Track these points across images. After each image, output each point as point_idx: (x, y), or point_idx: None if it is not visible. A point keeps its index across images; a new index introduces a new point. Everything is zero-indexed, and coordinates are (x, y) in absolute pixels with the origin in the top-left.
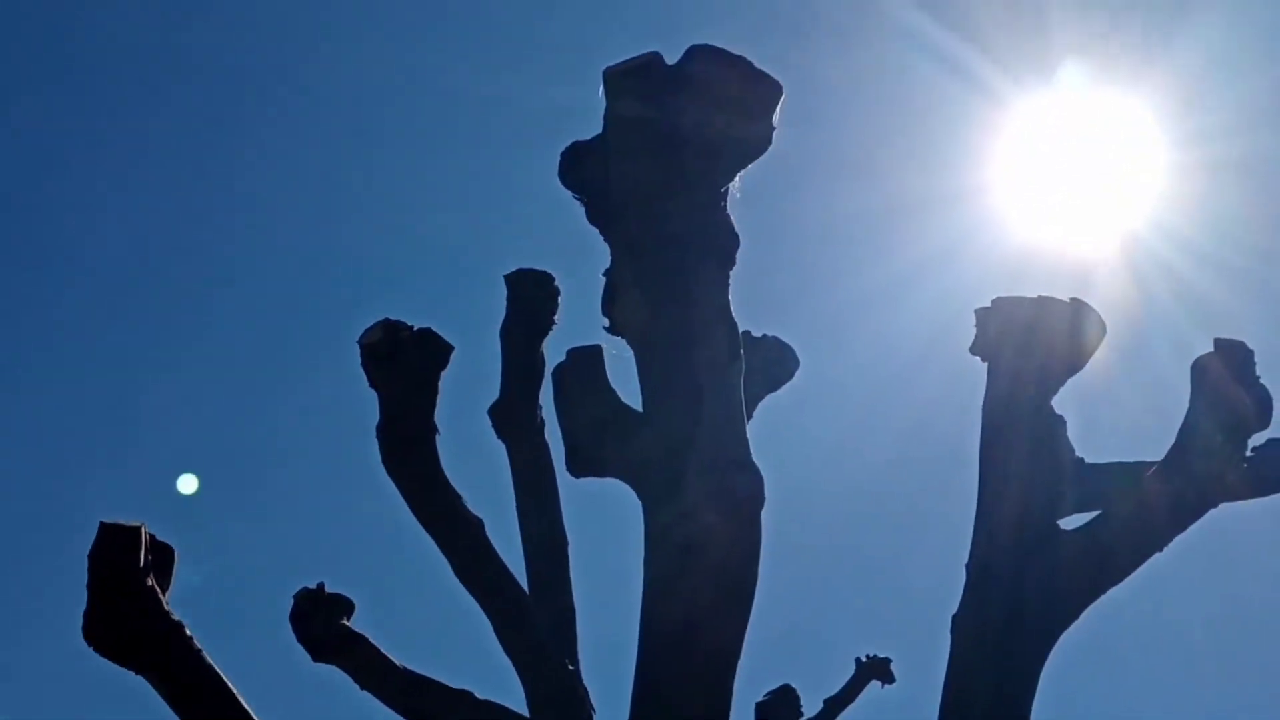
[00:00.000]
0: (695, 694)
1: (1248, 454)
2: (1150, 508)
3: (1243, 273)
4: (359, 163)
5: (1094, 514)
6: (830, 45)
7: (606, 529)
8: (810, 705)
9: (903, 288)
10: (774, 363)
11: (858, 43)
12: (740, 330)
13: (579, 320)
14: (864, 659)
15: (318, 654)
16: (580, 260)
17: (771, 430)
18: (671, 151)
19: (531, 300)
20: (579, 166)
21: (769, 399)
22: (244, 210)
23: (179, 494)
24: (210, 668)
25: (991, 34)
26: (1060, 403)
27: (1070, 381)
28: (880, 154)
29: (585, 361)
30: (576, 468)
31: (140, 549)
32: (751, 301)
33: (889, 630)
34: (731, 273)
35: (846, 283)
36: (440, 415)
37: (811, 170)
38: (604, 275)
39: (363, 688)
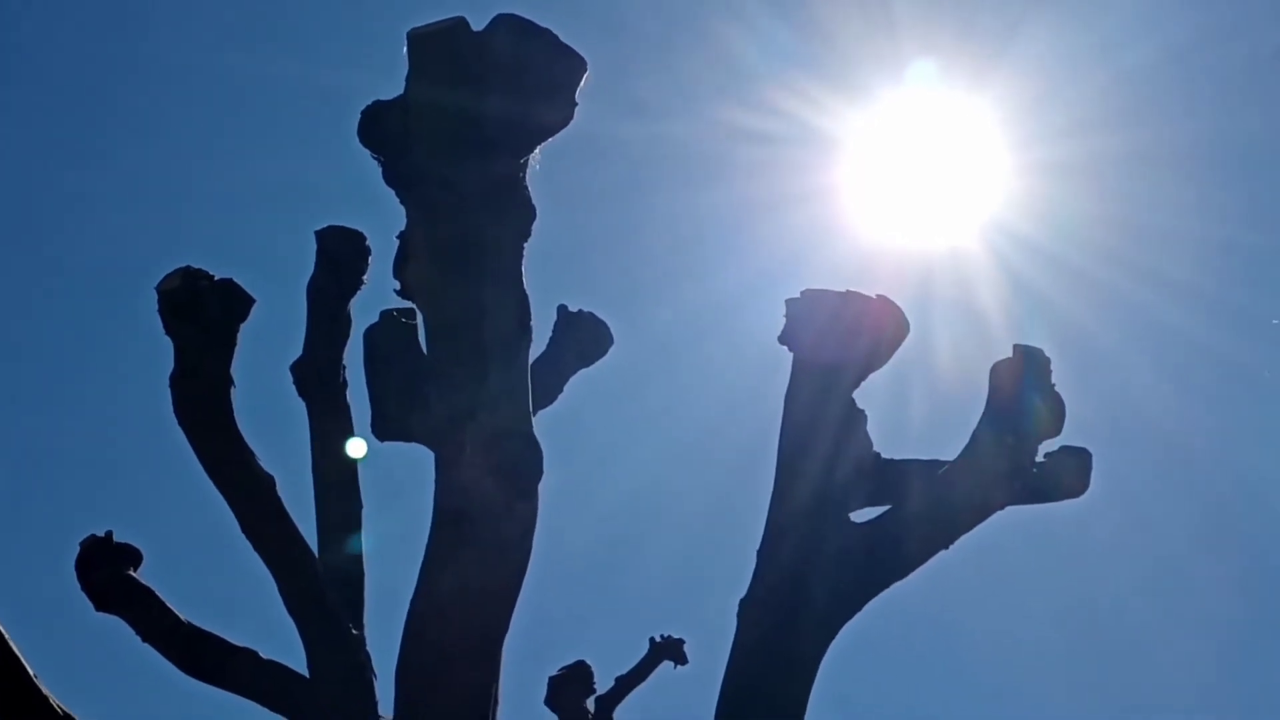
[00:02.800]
0: (460, 663)
1: (1038, 460)
2: (940, 506)
3: (1080, 272)
4: (169, 107)
5: (885, 508)
6: (677, 42)
7: (407, 494)
8: (604, 682)
9: (742, 282)
10: (588, 339)
11: (704, 40)
12: (559, 304)
13: (391, 282)
14: (658, 639)
15: (101, 604)
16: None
17: (581, 405)
18: (471, 120)
19: (341, 257)
20: (379, 126)
21: (581, 374)
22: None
23: None
24: None
25: (839, 33)
26: (868, 398)
27: (879, 376)
28: (726, 153)
29: (397, 325)
30: (383, 432)
31: None
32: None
33: (688, 612)
34: (527, 245)
35: (690, 276)
36: (239, 369)
37: (660, 169)
38: (398, 238)
39: (145, 640)
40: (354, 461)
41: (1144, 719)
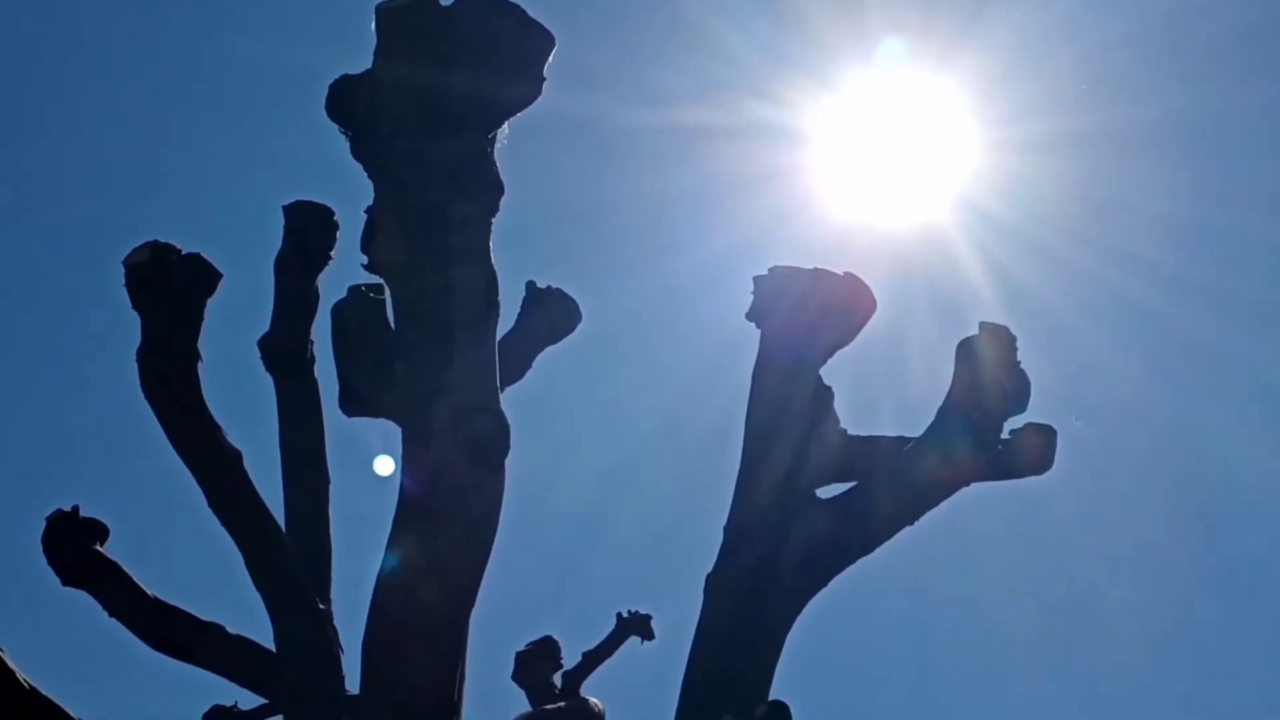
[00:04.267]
0: (427, 637)
1: (1003, 436)
2: (905, 482)
3: (1048, 249)
4: (136, 82)
5: (851, 485)
6: (645, 20)
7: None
8: (571, 658)
9: (713, 261)
10: (557, 315)
11: (671, 18)
12: (528, 280)
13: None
14: (625, 614)
15: (67, 578)
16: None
17: (548, 382)
18: (438, 95)
19: (309, 233)
20: (347, 100)
21: (549, 350)
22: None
23: None
24: None
25: (808, 12)
26: (836, 374)
27: (847, 353)
28: (695, 130)
29: (366, 300)
30: (350, 408)
31: None
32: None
33: (655, 587)
34: (495, 221)
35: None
36: (206, 344)
37: (628, 146)
38: (365, 212)
39: (112, 615)
40: (321, 436)
41: (1110, 696)
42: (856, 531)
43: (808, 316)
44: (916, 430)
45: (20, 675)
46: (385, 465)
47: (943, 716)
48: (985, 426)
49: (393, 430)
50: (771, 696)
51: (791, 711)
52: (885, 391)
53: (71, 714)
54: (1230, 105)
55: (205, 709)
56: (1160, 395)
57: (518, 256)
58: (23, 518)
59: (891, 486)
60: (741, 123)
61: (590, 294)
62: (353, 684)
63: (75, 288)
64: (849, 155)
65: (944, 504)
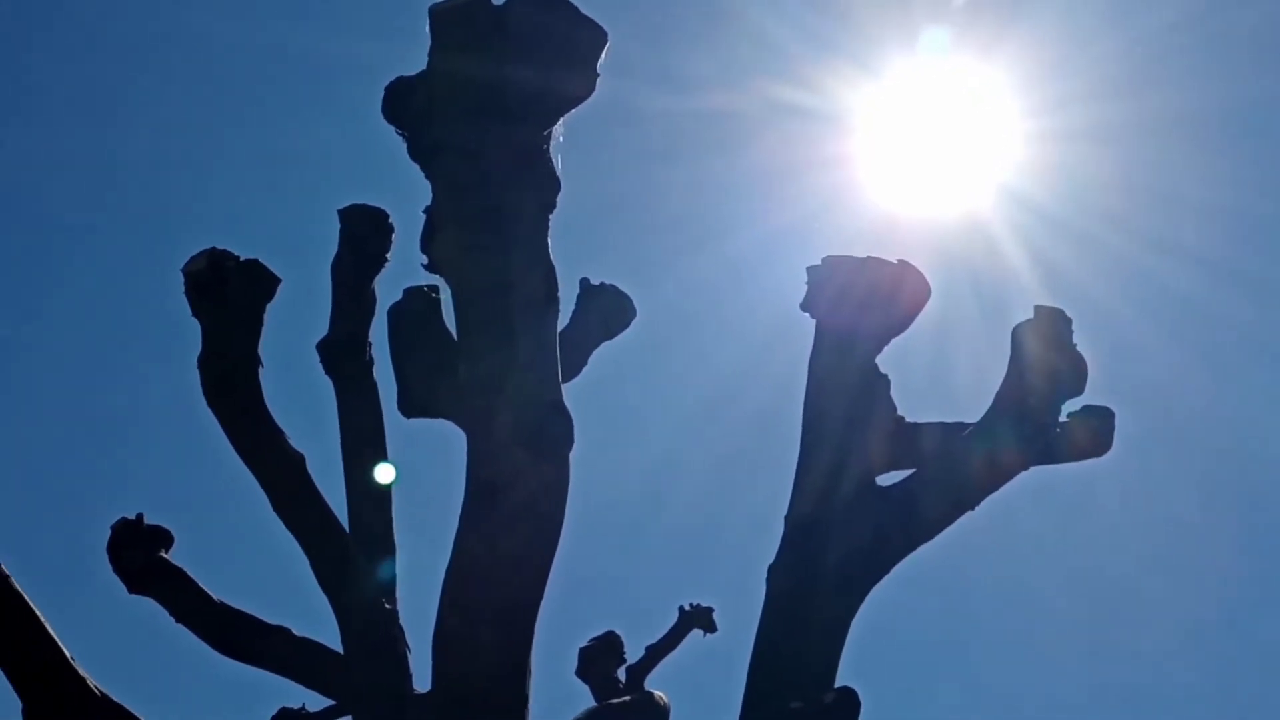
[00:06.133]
0: (494, 634)
1: (1061, 419)
2: (964, 468)
3: (1092, 239)
4: (194, 89)
5: (910, 471)
6: (692, 13)
7: (435, 469)
8: (634, 652)
9: (760, 251)
10: (611, 311)
11: (718, 10)
12: (581, 278)
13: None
14: (687, 607)
15: (134, 585)
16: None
17: (605, 377)
18: (493, 93)
19: (364, 236)
20: (402, 102)
21: (604, 347)
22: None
23: None
24: (18, 594)
25: (852, 2)
26: (890, 362)
27: (901, 341)
28: (741, 123)
29: (421, 302)
30: (409, 409)
31: None
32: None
33: (716, 580)
34: (552, 216)
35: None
36: (266, 349)
37: (675, 140)
38: (424, 212)
39: (178, 620)
40: (381, 437)
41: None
42: (917, 518)
43: (862, 305)
44: (973, 416)
45: (91, 682)
46: (386, 473)
47: (997, 699)
48: (1042, 410)
49: (450, 430)
50: (837, 684)
51: (860, 697)
52: (939, 378)
53: (142, 718)
54: (1274, 93)
55: (273, 712)
56: (1206, 383)
57: (570, 250)
58: (89, 526)
59: (951, 472)
60: (784, 112)
61: (643, 287)
62: (419, 683)
63: (135, 296)
64: (892, 144)
65: (1003, 488)
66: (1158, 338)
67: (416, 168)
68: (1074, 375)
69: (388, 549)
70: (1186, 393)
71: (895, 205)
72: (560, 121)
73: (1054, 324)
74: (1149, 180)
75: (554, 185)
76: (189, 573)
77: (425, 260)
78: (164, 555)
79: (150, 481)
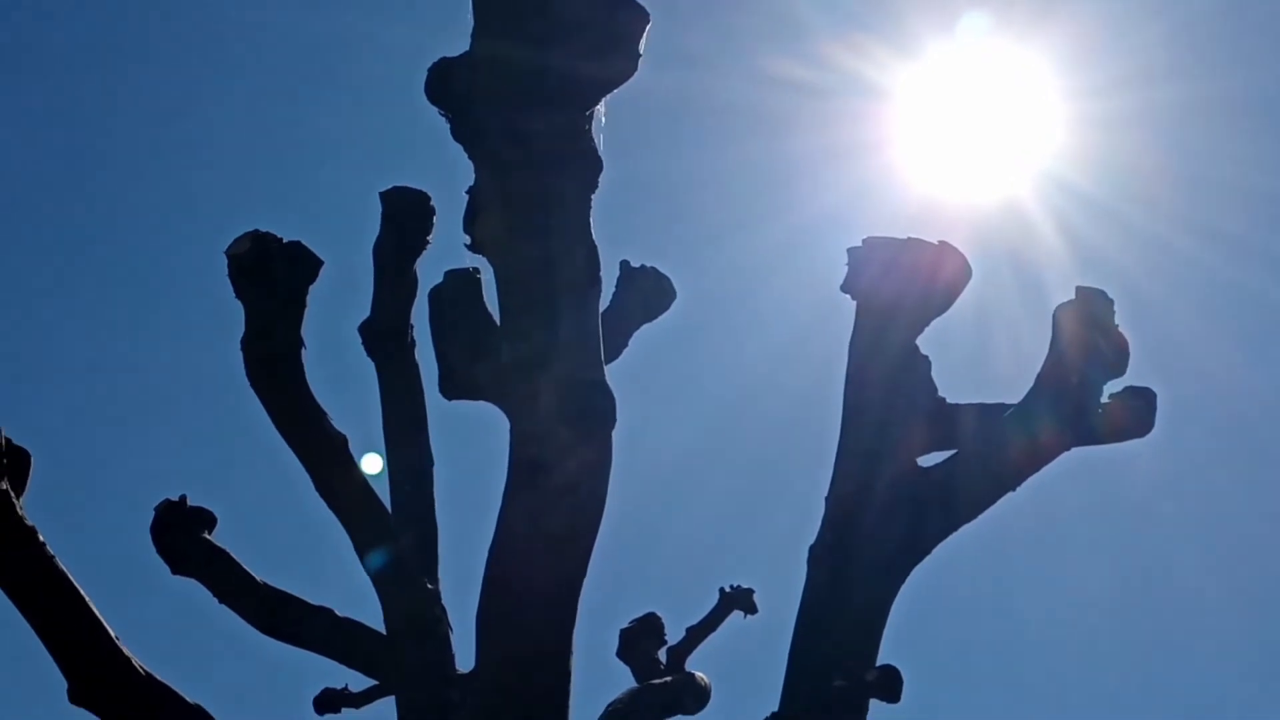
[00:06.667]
0: (537, 613)
1: (1103, 400)
2: (1005, 448)
3: (1133, 222)
4: (238, 73)
5: (951, 452)
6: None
7: (478, 451)
8: (675, 634)
9: (799, 234)
10: (651, 293)
11: None
12: (621, 260)
13: (456, 241)
14: (728, 589)
15: (177, 567)
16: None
17: (646, 360)
18: (535, 74)
19: (406, 218)
20: (445, 83)
21: (644, 329)
22: (119, 119)
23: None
24: (63, 575)
25: None
26: (931, 343)
27: (942, 322)
28: (780, 105)
29: (462, 283)
30: (450, 390)
31: None
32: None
33: (756, 561)
34: (594, 197)
35: (747, 228)
36: (308, 331)
37: (713, 122)
38: (467, 193)
39: (221, 601)
40: (423, 418)
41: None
42: (958, 499)
43: (902, 286)
44: (1014, 397)
45: (137, 662)
46: (373, 464)
47: (1038, 680)
48: (1084, 390)
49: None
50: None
51: (902, 675)
52: (980, 360)
53: (186, 699)
54: None
55: (316, 692)
56: (1248, 369)
57: (611, 233)
58: (132, 508)
59: (992, 453)
60: (824, 96)
61: (684, 269)
62: (462, 663)
63: (178, 279)
64: (932, 128)
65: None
66: (1200, 322)
67: (459, 149)
68: (1116, 356)
69: (429, 529)
70: (1228, 376)
71: (935, 188)
72: (603, 102)
73: (1095, 304)
74: (1191, 165)
75: (596, 166)
76: (232, 554)
77: (468, 241)
78: (207, 537)
79: (194, 463)
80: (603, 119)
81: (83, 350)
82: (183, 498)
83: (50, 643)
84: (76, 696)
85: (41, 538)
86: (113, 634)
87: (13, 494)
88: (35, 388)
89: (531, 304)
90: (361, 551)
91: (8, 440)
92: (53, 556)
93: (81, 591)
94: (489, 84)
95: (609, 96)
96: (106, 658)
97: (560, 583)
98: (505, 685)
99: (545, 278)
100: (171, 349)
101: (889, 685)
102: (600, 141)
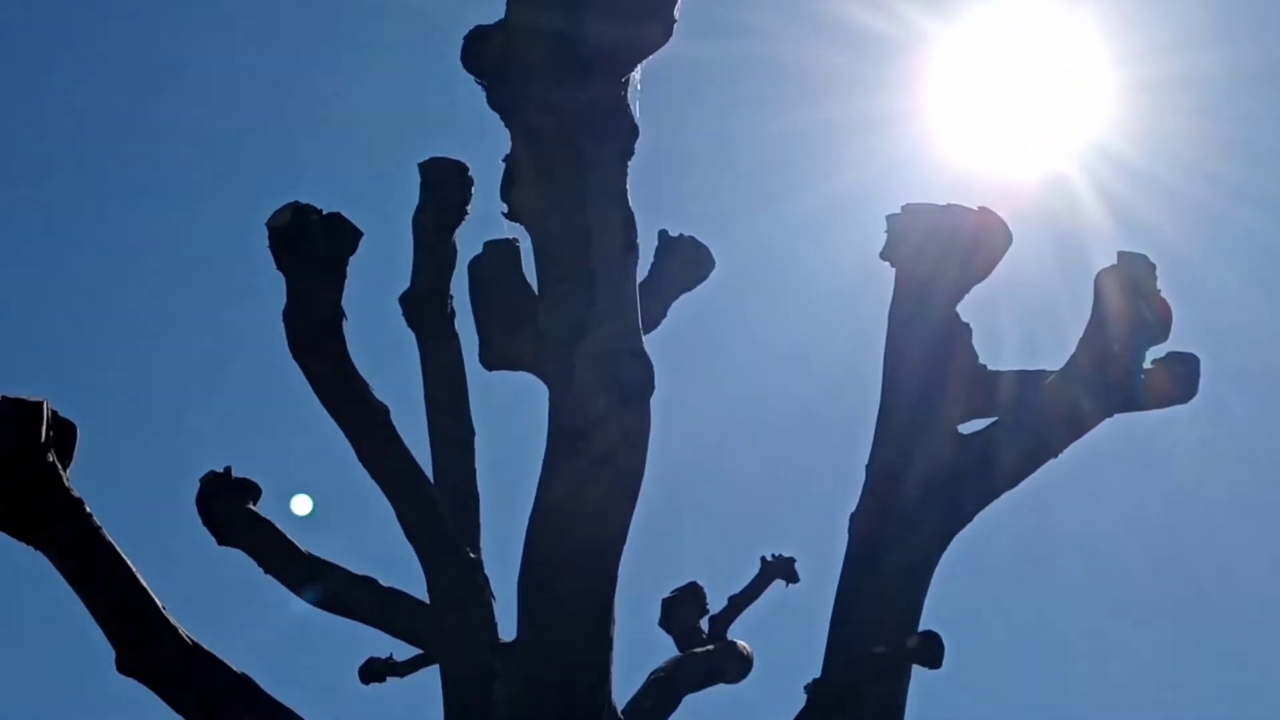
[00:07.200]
0: (578, 580)
1: (1146, 366)
2: (1046, 415)
3: (1178, 190)
4: (273, 43)
5: (992, 420)
6: None
7: (518, 422)
8: (716, 603)
9: (838, 203)
10: (689, 263)
11: None
12: (660, 229)
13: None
14: (769, 558)
15: (223, 537)
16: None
17: (685, 330)
18: (571, 41)
19: (445, 189)
20: (481, 51)
21: (683, 299)
22: (155, 93)
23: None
24: (110, 545)
25: None
26: (971, 310)
27: (983, 289)
28: (818, 71)
29: (502, 254)
30: (490, 361)
31: (42, 424)
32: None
33: (797, 530)
34: (630, 164)
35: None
36: (349, 302)
37: (751, 87)
38: (503, 161)
39: (266, 571)
40: (464, 388)
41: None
42: (998, 466)
43: (942, 252)
44: (1055, 364)
45: (184, 631)
46: (302, 505)
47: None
48: (1126, 356)
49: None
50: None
51: (943, 641)
52: (1021, 327)
53: (233, 668)
54: None
55: (361, 662)
56: None
57: (649, 202)
58: (178, 480)
59: (1033, 420)
60: (863, 62)
61: (722, 238)
62: (504, 632)
63: (220, 251)
64: (973, 95)
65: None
66: (1245, 288)
67: (496, 117)
68: (1158, 321)
69: (471, 499)
70: (1273, 342)
71: (975, 155)
72: (638, 69)
73: (1138, 269)
74: (1238, 130)
75: (632, 133)
76: (276, 524)
77: (505, 209)
78: (252, 507)
79: (238, 434)
80: (638, 86)
81: (128, 323)
82: (227, 469)
83: (98, 613)
84: (125, 666)
85: (88, 509)
86: (160, 604)
87: (60, 466)
88: (82, 361)
89: (569, 272)
90: (405, 520)
91: (54, 413)
92: (100, 527)
93: (129, 562)
94: (525, 51)
95: (644, 63)
96: (154, 627)
97: (600, 550)
98: (547, 652)
99: (582, 245)
100: (215, 321)
101: (930, 651)
102: (636, 108)
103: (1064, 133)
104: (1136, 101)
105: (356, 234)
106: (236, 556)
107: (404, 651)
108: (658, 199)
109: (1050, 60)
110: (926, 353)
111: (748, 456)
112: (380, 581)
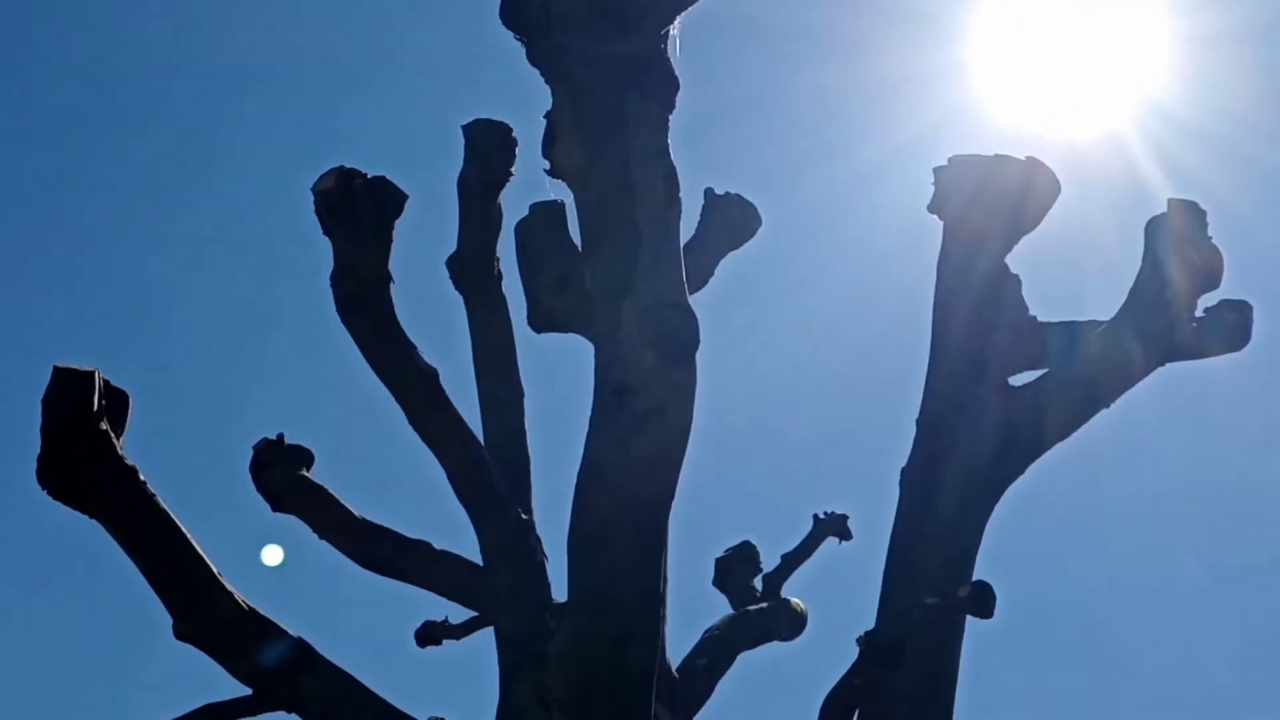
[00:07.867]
0: (627, 535)
1: (1198, 314)
2: (1099, 365)
3: (1228, 141)
4: (313, 9)
5: (1043, 371)
6: None
7: (568, 381)
8: (770, 561)
9: (885, 158)
10: (736, 221)
11: None
12: (706, 187)
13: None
14: (822, 515)
15: (277, 504)
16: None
17: (732, 288)
18: None
19: (489, 151)
20: (521, 7)
21: (730, 257)
22: (201, 60)
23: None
24: (164, 512)
25: None
26: (1021, 261)
27: (1032, 240)
28: (864, 26)
29: (548, 217)
30: (538, 323)
31: (94, 394)
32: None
33: (849, 487)
34: (672, 117)
35: (827, 154)
36: (397, 266)
37: (796, 43)
38: (544, 117)
39: (321, 537)
40: (512, 349)
41: None
42: (1050, 417)
43: (990, 204)
44: (1106, 315)
45: (239, 597)
46: (274, 555)
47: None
48: (1177, 304)
49: (580, 345)
50: None
51: (995, 591)
52: (1072, 277)
53: (290, 631)
54: None
55: (417, 625)
56: None
57: (694, 159)
58: (232, 447)
59: (1084, 371)
60: (910, 17)
61: (768, 195)
62: (557, 592)
63: (266, 215)
64: (1023, 48)
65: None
66: None
67: (536, 74)
68: (1209, 269)
69: (522, 460)
70: None
71: (1025, 108)
72: (677, 21)
73: (1188, 217)
74: None
75: (673, 86)
76: (330, 490)
77: (547, 166)
78: (305, 474)
79: (289, 401)
80: (678, 39)
81: (178, 291)
82: (280, 436)
83: (154, 580)
84: (181, 632)
85: (143, 476)
86: (215, 569)
87: (113, 434)
88: (133, 331)
89: (611, 227)
90: (456, 483)
91: (106, 382)
92: (154, 495)
93: (183, 528)
94: (564, 6)
95: (684, 16)
96: (210, 593)
97: (648, 506)
98: (597, 609)
99: (625, 200)
100: (263, 287)
101: (982, 601)
102: (676, 61)
103: (1114, 85)
104: (1188, 54)
105: (401, 197)
106: (292, 523)
107: (459, 614)
108: (702, 156)
109: (1100, 12)
110: (976, 305)
111: (798, 414)
112: (434, 544)
